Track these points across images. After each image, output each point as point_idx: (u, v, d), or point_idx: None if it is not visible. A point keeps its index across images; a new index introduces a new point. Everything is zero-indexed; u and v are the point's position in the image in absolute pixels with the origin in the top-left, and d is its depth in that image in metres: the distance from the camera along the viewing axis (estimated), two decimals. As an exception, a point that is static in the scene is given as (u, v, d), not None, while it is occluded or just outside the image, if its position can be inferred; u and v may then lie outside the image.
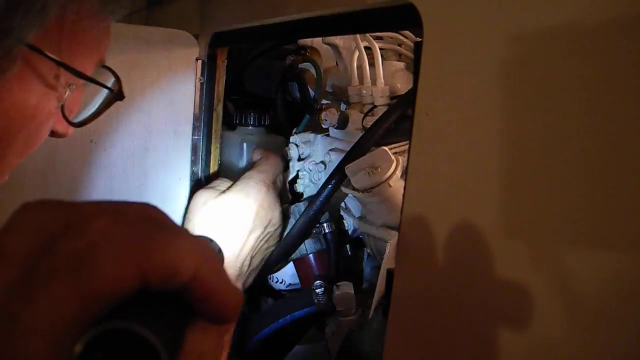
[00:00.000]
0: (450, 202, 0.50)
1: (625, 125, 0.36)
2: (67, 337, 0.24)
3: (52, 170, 0.88)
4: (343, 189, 0.83)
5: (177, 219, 0.98)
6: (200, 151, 0.98)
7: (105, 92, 0.61)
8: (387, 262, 0.71)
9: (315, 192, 0.84)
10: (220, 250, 0.41)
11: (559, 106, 0.40)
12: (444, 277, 0.51)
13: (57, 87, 0.52)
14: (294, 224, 0.84)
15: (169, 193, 0.97)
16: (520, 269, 0.44)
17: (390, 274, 0.59)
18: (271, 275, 0.99)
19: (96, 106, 0.62)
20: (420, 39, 0.53)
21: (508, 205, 0.45)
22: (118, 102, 0.91)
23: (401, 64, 0.95)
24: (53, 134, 0.60)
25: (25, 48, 0.45)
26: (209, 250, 0.30)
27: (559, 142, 0.41)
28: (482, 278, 0.47)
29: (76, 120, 0.59)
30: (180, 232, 0.29)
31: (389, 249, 0.75)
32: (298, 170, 1.00)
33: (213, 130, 0.98)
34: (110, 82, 0.60)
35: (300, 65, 1.06)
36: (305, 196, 1.01)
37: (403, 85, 0.93)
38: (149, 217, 0.30)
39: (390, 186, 0.77)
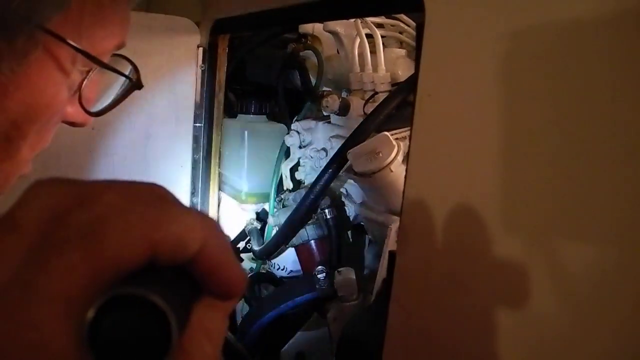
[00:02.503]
0: (450, 182, 0.51)
1: (621, 118, 0.37)
2: (80, 304, 0.25)
3: (54, 158, 0.88)
4: (344, 174, 0.83)
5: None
6: (201, 139, 0.98)
7: (122, 81, 0.60)
8: (389, 245, 0.72)
9: (317, 179, 0.84)
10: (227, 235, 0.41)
11: (561, 89, 0.41)
12: (445, 258, 0.52)
13: (72, 73, 0.51)
14: (295, 209, 0.85)
15: (171, 180, 0.97)
16: (518, 249, 0.44)
17: (392, 256, 0.59)
18: (272, 262, 1.00)
19: (113, 95, 0.61)
20: (421, 22, 0.53)
21: (507, 187, 0.45)
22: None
23: (402, 51, 0.95)
24: (73, 124, 0.59)
25: (44, 33, 0.44)
26: (216, 226, 0.29)
27: (558, 120, 0.41)
28: (482, 260, 0.48)
29: (94, 110, 0.58)
30: (188, 208, 0.29)
31: (391, 233, 0.75)
32: (299, 158, 1.00)
33: (214, 118, 0.98)
34: (127, 70, 0.60)
35: (301, 54, 1.06)
36: (306, 184, 1.02)
37: (404, 72, 0.93)
38: (158, 194, 0.30)
39: (392, 171, 0.77)
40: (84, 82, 0.52)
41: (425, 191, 0.53)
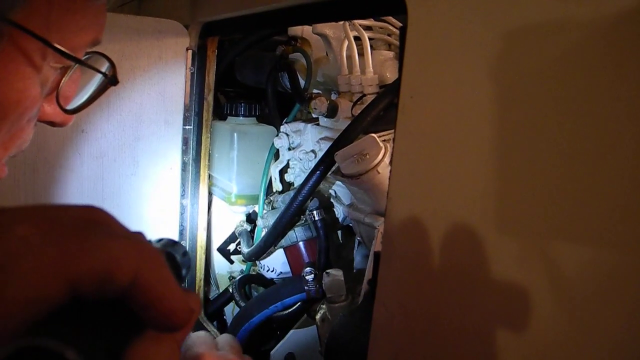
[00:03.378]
0: (434, 183, 0.51)
1: (615, 119, 0.37)
2: None
3: (43, 160, 0.89)
4: (332, 176, 0.84)
5: (169, 206, 0.99)
6: (191, 141, 0.98)
7: (98, 77, 0.59)
8: (376, 247, 0.72)
9: (306, 181, 0.85)
10: (185, 253, 0.38)
11: (546, 89, 0.41)
12: (429, 259, 0.52)
13: (43, 69, 0.48)
14: (283, 210, 0.85)
15: (160, 182, 0.97)
16: (503, 249, 0.45)
17: (377, 256, 0.60)
18: (262, 264, 1.00)
19: (90, 92, 0.60)
20: (404, 25, 0.53)
21: (490, 187, 0.46)
22: (108, 92, 0.92)
23: (390, 54, 0.96)
24: (53, 124, 0.58)
25: (8, 25, 0.42)
26: (151, 251, 0.27)
27: (541, 121, 0.41)
28: (466, 260, 0.48)
29: (69, 108, 0.57)
30: (118, 233, 0.27)
31: (378, 235, 0.76)
32: (288, 160, 1.01)
33: (204, 120, 0.98)
34: (104, 67, 0.59)
35: (290, 56, 1.06)
36: (295, 186, 1.02)
37: (392, 74, 0.93)
38: (85, 219, 0.28)
39: (379, 173, 0.78)
40: (63, 80, 0.51)
41: (409, 192, 0.54)
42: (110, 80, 0.57)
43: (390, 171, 0.56)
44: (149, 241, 0.34)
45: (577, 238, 0.39)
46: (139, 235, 0.31)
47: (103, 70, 0.57)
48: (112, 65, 0.57)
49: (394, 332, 0.55)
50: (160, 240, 0.40)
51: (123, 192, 0.95)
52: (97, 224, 0.28)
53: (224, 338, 0.86)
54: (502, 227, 0.45)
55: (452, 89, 0.49)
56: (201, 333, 0.85)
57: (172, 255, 0.39)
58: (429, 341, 0.52)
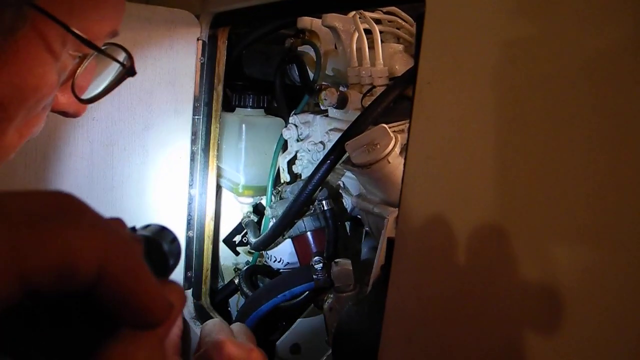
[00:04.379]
0: (449, 169, 0.52)
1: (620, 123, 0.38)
2: None
3: (54, 147, 0.89)
4: (342, 165, 0.85)
5: (177, 195, 1.00)
6: (200, 131, 0.99)
7: (113, 69, 0.59)
8: (387, 233, 0.73)
9: (315, 173, 0.85)
10: (174, 240, 0.35)
11: (563, 79, 0.42)
12: (444, 243, 0.53)
13: (62, 56, 0.49)
14: (292, 200, 0.86)
15: (169, 171, 0.98)
16: (514, 239, 0.45)
17: (390, 242, 0.60)
18: (269, 254, 1.01)
19: (106, 83, 0.60)
20: (422, 11, 0.54)
21: (505, 176, 0.46)
22: (119, 80, 0.93)
23: (400, 46, 0.96)
24: (65, 114, 0.58)
25: (32, 9, 0.43)
26: (119, 240, 0.25)
27: (556, 110, 0.42)
28: (481, 246, 0.49)
29: (84, 97, 0.57)
30: (83, 222, 0.25)
31: (388, 223, 0.76)
32: (297, 151, 1.01)
33: (213, 110, 0.99)
34: (120, 58, 0.59)
35: (299, 48, 1.07)
36: (303, 177, 1.03)
37: (401, 67, 0.94)
38: (47, 208, 0.25)
39: (389, 163, 0.78)
40: (78, 70, 0.51)
41: (424, 177, 0.54)
42: (128, 72, 0.57)
43: (406, 156, 0.56)
44: (132, 228, 0.33)
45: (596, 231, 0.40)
46: (112, 223, 0.28)
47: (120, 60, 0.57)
48: (130, 56, 0.57)
49: (407, 316, 0.56)
50: (146, 226, 0.37)
51: (132, 180, 0.95)
52: (61, 212, 0.25)
53: (239, 326, 0.87)
54: (519, 214, 0.46)
55: (468, 76, 0.50)
56: (217, 320, 0.86)
57: (158, 243, 0.35)
58: (443, 324, 0.53)
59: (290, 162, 1.03)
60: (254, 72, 1.17)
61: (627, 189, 0.38)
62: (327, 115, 0.99)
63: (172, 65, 0.95)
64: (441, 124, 0.53)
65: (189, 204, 1.01)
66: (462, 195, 0.51)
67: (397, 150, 0.79)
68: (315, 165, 0.97)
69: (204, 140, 0.99)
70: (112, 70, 0.60)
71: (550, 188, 0.42)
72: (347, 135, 0.82)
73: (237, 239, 1.21)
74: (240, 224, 1.20)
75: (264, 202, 1.12)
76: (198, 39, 0.96)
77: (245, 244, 1.20)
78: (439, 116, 0.53)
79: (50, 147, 0.88)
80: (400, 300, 0.57)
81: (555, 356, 0.43)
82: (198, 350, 0.80)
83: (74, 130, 0.90)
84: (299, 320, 0.99)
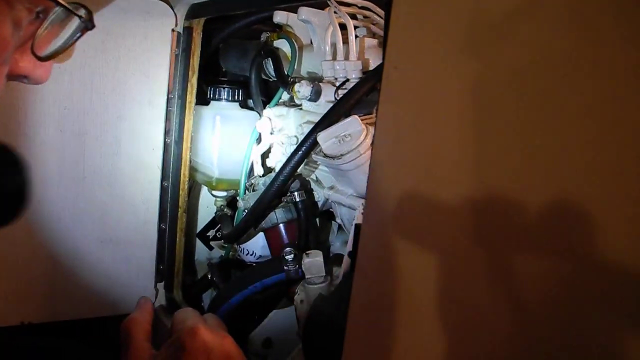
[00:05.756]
0: (417, 153, 0.52)
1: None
2: None
3: (23, 136, 0.88)
4: (314, 156, 0.85)
5: (150, 187, 0.99)
6: (173, 123, 0.98)
7: (73, 27, 0.57)
8: (357, 221, 0.73)
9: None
10: None
11: (535, 61, 0.42)
12: (410, 227, 0.53)
13: (15, 6, 0.47)
14: (264, 191, 0.86)
15: (142, 162, 0.98)
16: (487, 213, 0.46)
17: (358, 228, 0.61)
18: (241, 247, 1.00)
19: (65, 38, 0.55)
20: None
21: (474, 162, 0.46)
22: (92, 70, 0.92)
23: (374, 41, 0.97)
24: (27, 79, 0.57)
25: None
26: None
27: (529, 93, 0.42)
28: (448, 225, 0.49)
29: (44, 55, 0.55)
30: None
31: (358, 213, 0.77)
32: (271, 145, 1.01)
33: (187, 102, 0.98)
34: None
35: (275, 43, 1.07)
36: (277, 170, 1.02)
37: (375, 61, 0.94)
38: None
39: (361, 154, 0.79)
40: (39, 31, 0.49)
41: (391, 159, 0.55)
42: (86, 24, 0.55)
43: (373, 140, 0.57)
44: None
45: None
46: None
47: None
48: (89, 12, 0.55)
49: (371, 298, 0.56)
50: None
51: (104, 171, 0.94)
52: None
53: (211, 316, 0.86)
54: (490, 195, 0.46)
55: (437, 60, 0.50)
56: (189, 309, 0.86)
57: None
58: (409, 307, 0.53)
59: (264, 155, 1.03)
60: (230, 67, 1.17)
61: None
62: (301, 109, 0.99)
63: (147, 56, 0.95)
64: (407, 109, 0.53)
65: (161, 196, 1.00)
66: (430, 177, 0.51)
67: (369, 141, 0.79)
68: (288, 158, 0.98)
69: (177, 132, 0.99)
70: (73, 28, 0.57)
71: (519, 165, 0.43)
72: (320, 126, 0.82)
73: (211, 233, 1.21)
74: (214, 218, 1.20)
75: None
76: (173, 30, 0.96)
77: (219, 239, 1.20)
78: (405, 101, 0.53)
79: (19, 135, 0.87)
80: (365, 286, 0.57)
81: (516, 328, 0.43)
82: (170, 337, 0.80)
83: (44, 118, 0.89)
84: (271, 313, 0.99)
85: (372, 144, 0.57)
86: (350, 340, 0.60)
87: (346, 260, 0.76)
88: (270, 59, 1.05)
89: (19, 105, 0.87)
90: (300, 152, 0.82)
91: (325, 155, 0.82)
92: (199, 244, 1.24)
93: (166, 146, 0.99)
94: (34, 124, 0.88)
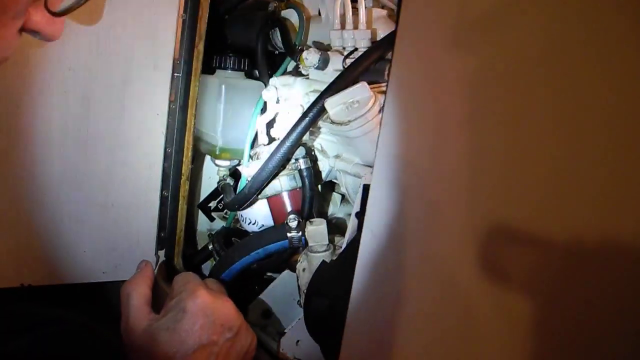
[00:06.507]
0: (431, 110, 0.52)
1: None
2: None
3: (27, 96, 0.87)
4: (320, 123, 0.84)
5: (153, 152, 0.98)
6: (179, 88, 0.97)
7: None
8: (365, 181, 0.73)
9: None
10: None
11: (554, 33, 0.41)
12: (419, 183, 0.53)
13: None
14: (269, 157, 0.85)
15: (146, 127, 0.97)
16: (488, 181, 0.46)
17: (366, 188, 0.60)
18: (243, 217, 1.00)
19: None
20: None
21: (481, 118, 0.46)
22: (98, 32, 0.91)
23: (383, 12, 0.96)
24: (40, 35, 0.56)
25: None
26: None
27: (548, 69, 0.42)
28: (455, 188, 0.49)
29: (57, 11, 0.55)
30: None
31: (365, 180, 0.76)
32: (276, 114, 1.00)
33: (193, 68, 0.97)
34: None
35: (282, 13, 1.06)
36: (281, 141, 1.02)
37: (384, 32, 0.94)
38: None
39: (369, 120, 0.78)
40: None
41: (403, 120, 0.54)
42: None
43: (385, 99, 0.56)
44: None
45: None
46: None
47: None
48: None
49: (380, 257, 0.56)
50: None
51: (108, 134, 0.94)
52: None
53: (211, 280, 0.86)
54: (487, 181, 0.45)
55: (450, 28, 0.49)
56: (190, 273, 0.86)
57: None
58: (416, 263, 0.53)
59: (269, 125, 1.02)
60: (237, 38, 1.16)
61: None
62: (307, 79, 0.98)
63: (153, 20, 0.94)
64: (422, 66, 0.53)
65: (164, 162, 0.99)
66: (440, 137, 0.51)
67: (377, 108, 0.79)
68: (294, 128, 0.97)
69: (183, 98, 0.98)
70: None
71: (524, 160, 0.42)
72: (327, 92, 0.81)
73: (213, 204, 1.20)
74: (216, 189, 1.19)
75: (240, 168, 1.11)
76: (180, -6, 0.95)
77: (221, 210, 1.20)
78: (419, 59, 0.53)
79: (23, 95, 0.86)
80: (373, 243, 0.57)
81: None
82: (171, 300, 0.80)
83: (49, 80, 0.88)
84: (270, 285, 0.99)
85: (384, 103, 0.56)
86: (355, 300, 0.60)
87: (353, 221, 0.75)
88: (277, 29, 1.05)
89: (21, 62, 0.86)
90: (307, 118, 0.81)
91: (333, 122, 0.81)
92: (200, 216, 1.23)
93: (171, 112, 0.98)
94: (38, 85, 0.87)
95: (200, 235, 1.22)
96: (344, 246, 0.81)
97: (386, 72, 0.82)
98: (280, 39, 1.04)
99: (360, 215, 0.61)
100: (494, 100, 0.45)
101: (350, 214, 0.93)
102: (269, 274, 1.06)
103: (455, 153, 0.49)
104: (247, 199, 0.89)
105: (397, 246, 0.54)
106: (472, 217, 0.47)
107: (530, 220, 0.42)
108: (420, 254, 0.52)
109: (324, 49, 1.00)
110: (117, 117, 0.94)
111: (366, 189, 0.60)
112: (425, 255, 0.52)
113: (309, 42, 1.05)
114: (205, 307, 0.76)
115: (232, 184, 1.10)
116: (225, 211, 1.20)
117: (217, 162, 1.09)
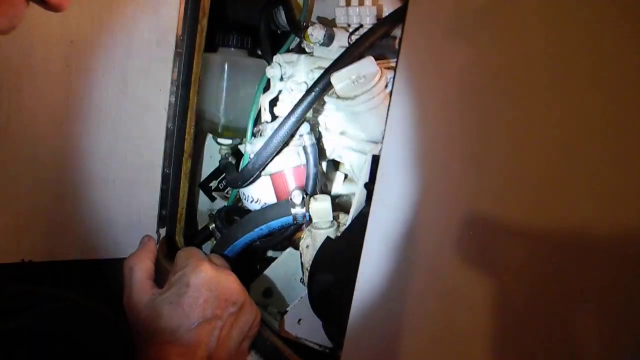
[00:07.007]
0: (443, 76, 0.51)
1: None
2: None
3: (28, 68, 0.86)
4: (326, 98, 0.84)
5: (155, 128, 0.97)
6: (182, 64, 0.96)
7: None
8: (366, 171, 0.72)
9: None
10: None
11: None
12: (427, 158, 0.52)
13: None
14: (274, 132, 0.84)
15: (149, 103, 0.96)
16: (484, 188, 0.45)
17: (375, 159, 0.60)
18: (245, 195, 0.99)
19: None
20: None
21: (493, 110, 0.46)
22: (101, 4, 0.90)
23: (389, -12, 0.95)
24: (47, 5, 0.56)
25: None
26: None
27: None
28: (469, 154, 0.48)
29: None
30: None
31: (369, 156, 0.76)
32: (279, 92, 0.99)
33: (196, 44, 0.96)
34: None
35: (286, -10, 1.05)
36: (284, 119, 1.01)
37: (389, 9, 0.93)
38: None
39: (375, 95, 0.77)
40: None
41: (416, 86, 0.54)
42: None
43: (397, 61, 0.55)
44: None
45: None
46: None
47: None
48: None
49: (391, 226, 0.55)
50: None
51: (111, 108, 0.93)
52: None
53: (214, 255, 0.86)
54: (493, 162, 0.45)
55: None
56: (193, 247, 0.85)
57: None
58: (428, 228, 0.52)
59: (272, 103, 1.01)
60: (240, 15, 1.15)
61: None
62: (312, 56, 0.97)
63: (157, -6, 0.93)
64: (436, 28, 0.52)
65: (166, 138, 0.99)
66: (450, 102, 0.51)
67: (383, 83, 0.78)
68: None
69: (185, 74, 0.97)
70: None
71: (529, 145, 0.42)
72: (333, 67, 0.80)
73: (214, 184, 1.19)
74: (217, 168, 1.18)
75: (242, 147, 1.10)
76: (184, -32, 0.93)
77: (222, 189, 1.19)
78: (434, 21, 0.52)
79: (24, 67, 0.85)
80: (384, 214, 0.56)
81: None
82: (174, 274, 0.79)
83: (50, 52, 0.87)
84: (272, 264, 0.98)
85: (396, 67, 0.55)
86: (364, 274, 0.59)
87: (360, 194, 0.75)
88: (280, 6, 1.04)
89: (23, 34, 0.85)
90: (313, 93, 0.80)
91: (338, 97, 0.80)
92: (201, 196, 1.23)
93: (173, 87, 0.97)
94: (40, 57, 0.86)
95: (201, 216, 1.21)
96: (348, 222, 0.81)
97: (396, 44, 0.82)
98: (283, 16, 1.03)
99: (370, 184, 0.60)
100: (501, 84, 0.44)
101: (354, 193, 0.92)
102: (270, 253, 1.06)
103: (464, 120, 0.48)
104: (251, 175, 0.88)
105: (409, 216, 0.54)
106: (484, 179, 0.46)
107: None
108: (435, 223, 0.52)
109: (330, 24, 0.99)
110: (119, 92, 0.93)
111: (375, 160, 0.59)
112: (440, 224, 0.51)
113: (313, 19, 1.04)
114: (209, 281, 0.76)
115: (234, 162, 1.09)
116: (226, 191, 1.19)
117: (220, 140, 1.09)
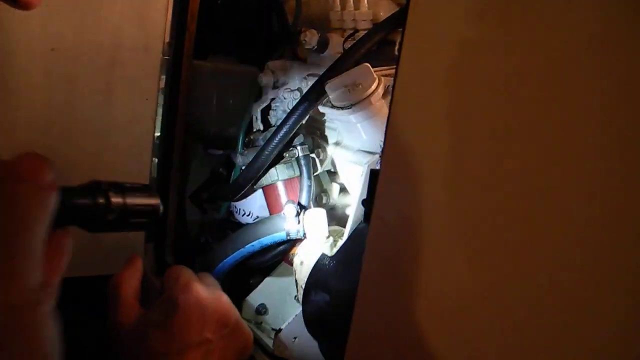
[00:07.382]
0: (445, 89, 0.48)
1: None
2: None
3: (11, 75, 0.82)
4: (320, 107, 0.80)
5: (143, 139, 0.93)
6: (170, 71, 0.92)
7: None
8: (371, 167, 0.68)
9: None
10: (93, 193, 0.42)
11: None
12: (433, 169, 0.49)
13: None
14: (265, 143, 0.80)
15: (135, 113, 0.91)
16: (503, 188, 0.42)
17: (374, 174, 0.56)
18: (237, 208, 0.95)
19: None
20: None
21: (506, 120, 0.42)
22: (84, 11, 0.86)
23: (385, -8, 0.92)
24: (15, 2, 0.53)
25: None
26: None
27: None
28: (471, 172, 0.45)
29: None
30: None
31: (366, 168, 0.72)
32: (271, 99, 0.96)
33: (185, 50, 0.92)
34: None
35: (278, -5, 1.02)
36: (277, 128, 0.97)
37: (386, 14, 0.89)
38: None
39: (372, 104, 0.74)
40: None
41: (415, 98, 0.50)
42: None
43: (396, 75, 0.52)
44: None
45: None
46: None
47: None
48: None
49: (390, 244, 0.51)
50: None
51: (95, 120, 0.88)
52: None
53: (204, 274, 0.82)
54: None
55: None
56: (182, 266, 0.81)
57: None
58: (428, 248, 0.48)
59: (265, 112, 0.98)
60: (229, 21, 1.11)
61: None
62: (305, 62, 0.94)
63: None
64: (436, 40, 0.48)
65: (154, 149, 0.94)
66: (453, 119, 0.47)
67: (380, 91, 0.74)
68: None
69: (174, 81, 0.93)
70: None
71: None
72: (327, 75, 0.77)
73: (205, 196, 1.15)
74: (208, 179, 1.14)
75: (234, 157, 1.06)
76: (171, -28, 0.90)
77: (214, 201, 1.15)
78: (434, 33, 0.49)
79: (6, 74, 0.81)
80: (383, 230, 0.52)
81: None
82: (162, 294, 0.75)
83: (30, 61, 0.83)
84: (266, 279, 0.94)
85: (395, 78, 0.51)
86: (364, 295, 0.55)
87: (357, 210, 0.71)
88: (273, 12, 1.00)
89: (3, 42, 0.81)
90: (306, 102, 0.77)
91: (333, 106, 0.77)
92: (191, 208, 1.19)
93: (161, 96, 0.93)
94: (18, 66, 0.82)
95: (192, 228, 1.17)
96: (345, 237, 0.77)
97: (396, 49, 0.78)
98: (276, 22, 1.00)
99: (368, 202, 0.56)
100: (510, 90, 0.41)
101: (349, 205, 0.89)
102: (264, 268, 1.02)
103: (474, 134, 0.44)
104: (242, 188, 0.84)
105: (412, 234, 0.50)
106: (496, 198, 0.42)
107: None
108: (440, 240, 0.48)
109: (324, 29, 0.96)
110: (104, 101, 0.89)
111: (374, 174, 0.55)
112: (445, 241, 0.47)
113: (309, 18, 1.01)
114: (199, 301, 0.72)
115: (225, 174, 1.05)
116: (217, 202, 1.15)
117: (210, 150, 1.05)
